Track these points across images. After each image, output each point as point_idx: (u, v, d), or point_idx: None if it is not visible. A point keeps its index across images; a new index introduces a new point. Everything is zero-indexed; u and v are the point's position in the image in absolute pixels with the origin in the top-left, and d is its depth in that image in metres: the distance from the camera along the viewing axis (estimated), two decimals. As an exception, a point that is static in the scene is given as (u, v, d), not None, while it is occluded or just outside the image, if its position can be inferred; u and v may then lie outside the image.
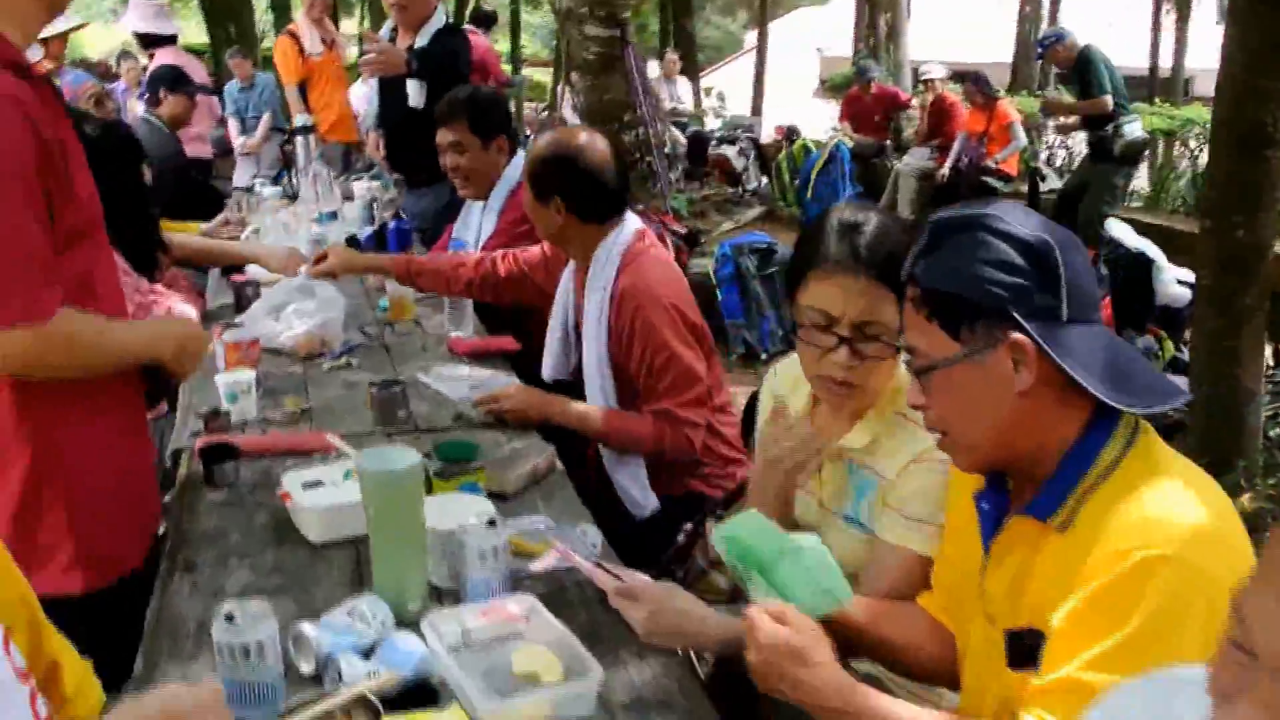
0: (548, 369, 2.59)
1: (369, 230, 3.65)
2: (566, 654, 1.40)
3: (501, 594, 1.54)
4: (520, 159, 2.97)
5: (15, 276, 1.45)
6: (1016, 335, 1.14)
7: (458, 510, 1.64)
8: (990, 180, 8.08)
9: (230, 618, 1.33)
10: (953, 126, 8.56)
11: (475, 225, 3.21)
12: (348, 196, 4.32)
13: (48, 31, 5.66)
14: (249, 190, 4.94)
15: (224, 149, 7.66)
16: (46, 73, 1.55)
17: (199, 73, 6.12)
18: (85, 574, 1.61)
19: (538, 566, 1.62)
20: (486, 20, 10.15)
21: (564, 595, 1.60)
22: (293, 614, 1.50)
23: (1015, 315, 1.14)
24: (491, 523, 1.56)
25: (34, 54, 5.53)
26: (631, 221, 2.39)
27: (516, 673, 1.39)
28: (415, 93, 3.80)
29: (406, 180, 4.26)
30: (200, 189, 5.07)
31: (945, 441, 1.27)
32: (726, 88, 14.59)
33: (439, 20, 4.04)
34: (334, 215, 4.06)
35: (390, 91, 4.04)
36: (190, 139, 5.70)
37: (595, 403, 2.35)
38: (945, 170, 8.26)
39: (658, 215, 3.81)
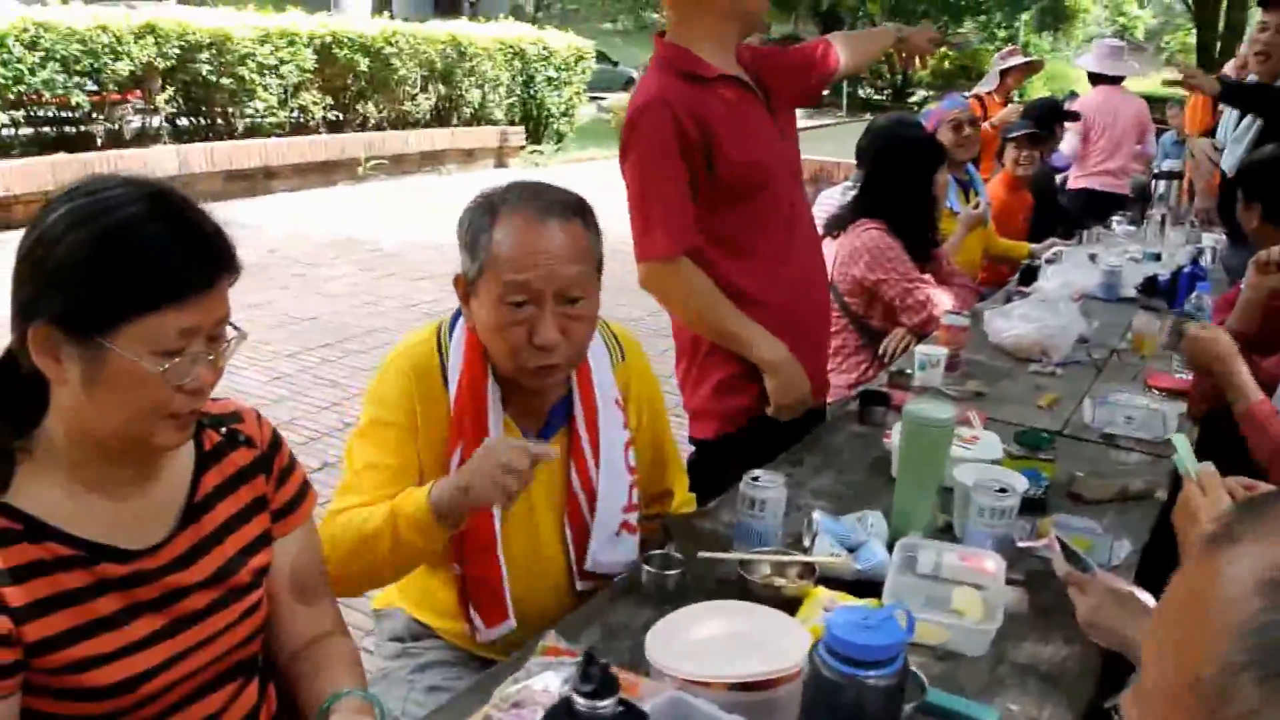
0: None
1: (1165, 275, 3.72)
2: (992, 604, 1.60)
3: (991, 549, 1.76)
4: None
5: (650, 218, 2.27)
6: None
7: (988, 474, 1.89)
8: None
9: (755, 478, 1.82)
10: None
11: None
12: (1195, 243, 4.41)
13: (1006, 64, 6.61)
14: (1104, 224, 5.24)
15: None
16: (719, 73, 2.36)
17: (1126, 112, 6.52)
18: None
19: (1026, 543, 1.79)
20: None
21: (1041, 572, 1.75)
22: (840, 508, 1.94)
23: None
24: (1002, 490, 1.79)
25: (988, 83, 6.48)
26: None
27: (953, 608, 1.64)
28: None
29: (1230, 234, 4.18)
30: (1063, 213, 5.53)
31: None
32: None
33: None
34: (1157, 256, 4.17)
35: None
36: (1091, 171, 6.23)
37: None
38: None
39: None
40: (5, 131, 9.01)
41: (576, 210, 1.67)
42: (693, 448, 2.59)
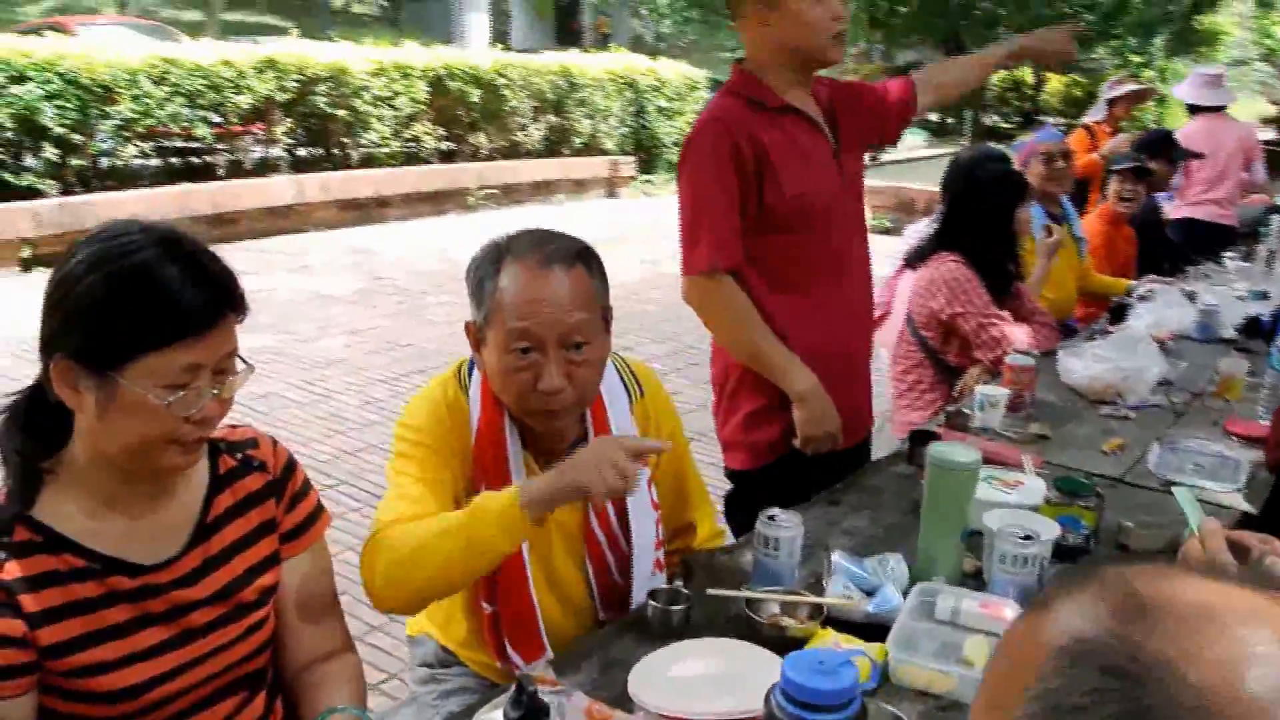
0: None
1: (1268, 315, 3.57)
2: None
3: (1013, 597, 1.73)
4: None
5: (698, 231, 2.34)
6: None
7: (1020, 520, 1.85)
8: None
9: (771, 516, 1.82)
10: None
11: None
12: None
13: (1113, 92, 6.45)
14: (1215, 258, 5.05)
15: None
16: (784, 103, 2.40)
17: (1227, 139, 6.29)
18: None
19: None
20: None
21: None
22: (865, 551, 1.93)
23: None
24: (1027, 538, 1.75)
25: (1097, 113, 6.33)
26: None
27: (963, 657, 1.62)
28: None
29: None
30: (1170, 248, 5.35)
31: None
32: None
33: None
34: (1264, 295, 4.01)
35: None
36: (1194, 201, 6.02)
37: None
38: None
39: None
40: (135, 162, 9.54)
41: (580, 257, 1.71)
42: (729, 480, 2.61)
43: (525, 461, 1.78)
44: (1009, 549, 1.75)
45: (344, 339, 6.94)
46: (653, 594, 1.72)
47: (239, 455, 1.53)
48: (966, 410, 2.69)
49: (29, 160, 8.57)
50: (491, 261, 1.70)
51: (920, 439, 2.46)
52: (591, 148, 14.46)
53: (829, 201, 2.45)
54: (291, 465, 1.58)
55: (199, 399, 1.33)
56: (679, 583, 1.77)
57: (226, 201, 9.71)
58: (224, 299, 1.34)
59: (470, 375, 1.81)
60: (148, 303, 1.28)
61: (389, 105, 11.38)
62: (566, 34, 30.86)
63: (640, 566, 1.82)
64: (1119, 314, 3.74)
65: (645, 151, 15.43)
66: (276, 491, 1.55)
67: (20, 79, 8.22)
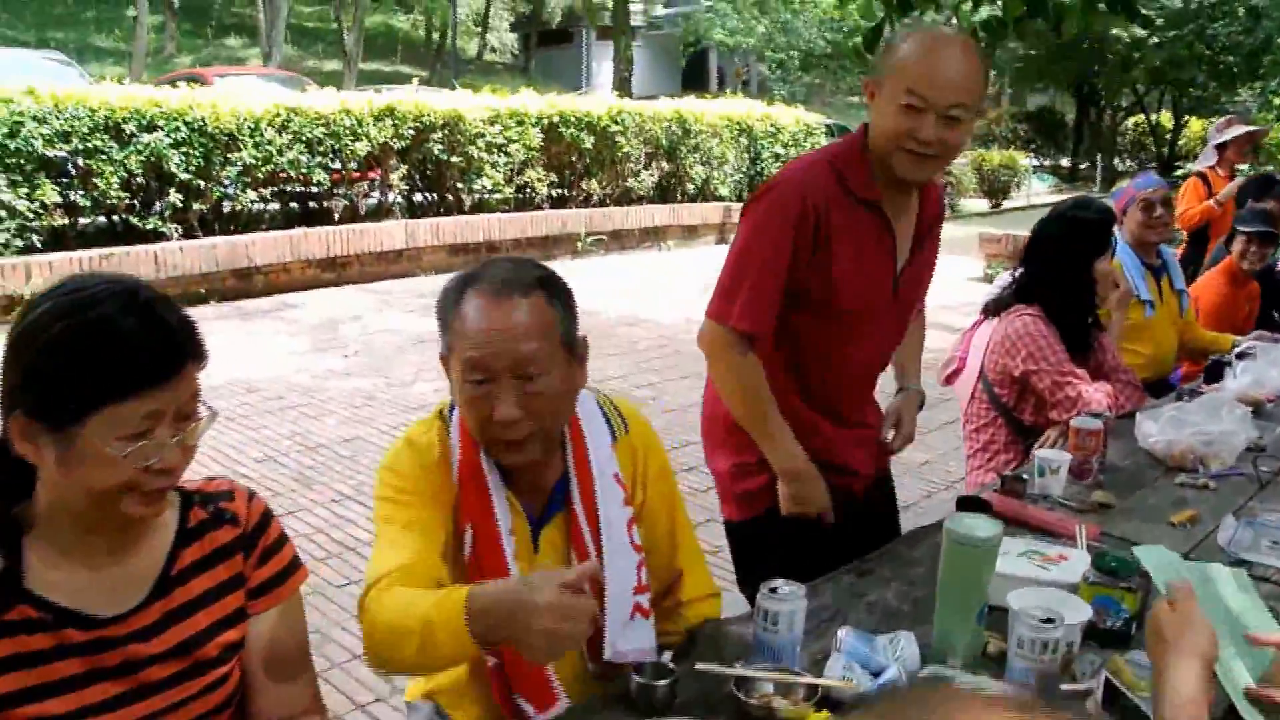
0: None
1: None
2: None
3: (1034, 686, 1.60)
4: None
5: (739, 285, 2.21)
6: None
7: (1049, 600, 1.72)
8: None
9: (774, 589, 1.73)
10: None
11: None
12: None
13: (1221, 137, 6.17)
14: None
15: None
16: (875, 199, 2.26)
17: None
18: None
19: (1071, 686, 1.61)
20: None
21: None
22: (886, 627, 1.82)
23: None
24: (1049, 621, 1.63)
25: (1208, 158, 6.06)
26: None
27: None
28: None
29: None
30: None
31: None
32: None
33: None
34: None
35: None
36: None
37: None
38: None
39: None
40: (255, 207, 9.93)
41: (542, 284, 1.67)
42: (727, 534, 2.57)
43: (509, 499, 1.74)
44: (1026, 633, 1.62)
45: (437, 384, 7.03)
46: (638, 668, 1.64)
47: (211, 508, 1.52)
48: (1025, 476, 2.54)
49: (155, 205, 8.99)
50: (456, 291, 1.68)
51: (968, 505, 2.33)
52: (705, 194, 14.50)
53: (869, 311, 2.34)
54: (266, 520, 1.56)
55: (159, 448, 1.33)
56: (667, 655, 1.69)
57: (339, 245, 10.02)
58: (183, 348, 1.34)
59: (451, 414, 1.78)
60: (106, 355, 1.28)
61: (503, 151, 11.61)
62: (695, 81, 31.17)
63: (616, 611, 1.74)
64: (1215, 372, 3.51)
65: (759, 197, 15.38)
66: (246, 546, 1.53)
67: (150, 127, 8.65)
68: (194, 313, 1.42)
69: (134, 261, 8.32)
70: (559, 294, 1.70)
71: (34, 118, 8.01)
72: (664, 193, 14.08)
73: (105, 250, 8.32)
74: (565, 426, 1.77)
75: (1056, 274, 3.15)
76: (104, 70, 20.38)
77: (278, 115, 9.58)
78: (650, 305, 9.68)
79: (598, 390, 1.89)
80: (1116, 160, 26.88)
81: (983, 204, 20.12)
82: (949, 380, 3.44)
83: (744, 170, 14.98)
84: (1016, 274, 3.35)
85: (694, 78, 33.38)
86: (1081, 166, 26.08)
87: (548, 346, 1.64)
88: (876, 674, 1.66)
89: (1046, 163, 26.92)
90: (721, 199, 14.65)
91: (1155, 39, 21.56)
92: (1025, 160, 22.28)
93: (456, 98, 11.63)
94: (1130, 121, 29.35)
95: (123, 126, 8.52)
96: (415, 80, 13.04)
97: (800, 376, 2.36)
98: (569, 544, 1.77)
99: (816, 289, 2.25)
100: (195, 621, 1.47)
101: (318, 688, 1.64)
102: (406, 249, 10.65)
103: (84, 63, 19.92)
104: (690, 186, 14.30)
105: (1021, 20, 4.27)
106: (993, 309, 3.30)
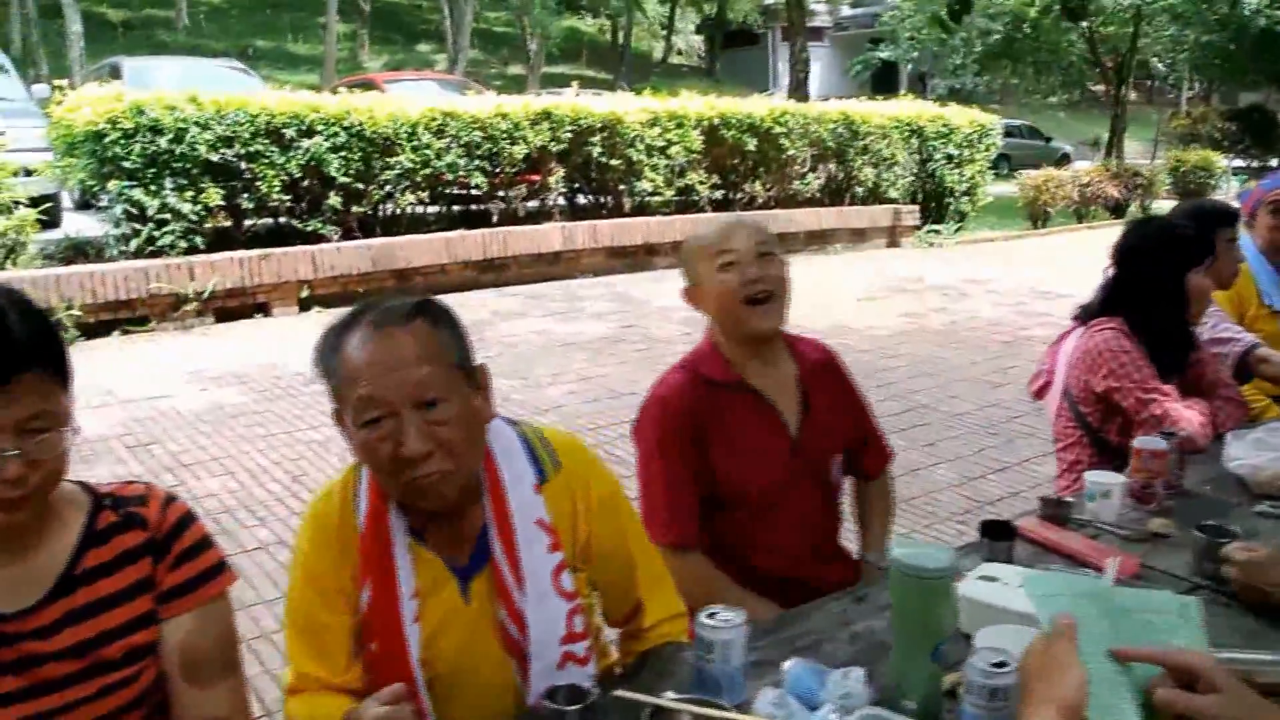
0: None
1: None
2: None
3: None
4: None
5: (655, 506, 2.29)
6: None
7: (1014, 639, 1.57)
8: None
9: (712, 615, 1.64)
10: None
11: None
12: None
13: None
14: None
15: None
16: (737, 380, 2.33)
17: None
18: None
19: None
20: None
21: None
22: (867, 659, 1.70)
23: None
24: (1000, 665, 1.48)
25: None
26: None
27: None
28: None
29: None
30: None
31: None
32: None
33: None
34: None
35: None
36: None
37: None
38: None
39: None
40: (414, 209, 10.26)
41: (420, 311, 1.59)
42: None
43: (413, 550, 1.66)
44: (976, 677, 1.48)
45: (571, 386, 7.09)
46: (551, 692, 1.57)
47: (121, 511, 1.53)
48: (1069, 499, 2.33)
49: (319, 206, 9.42)
50: (333, 337, 1.60)
51: (994, 531, 2.16)
52: (875, 196, 14.15)
53: (772, 486, 2.34)
54: (183, 524, 1.56)
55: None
56: (591, 680, 1.62)
57: (496, 247, 10.24)
58: (25, 357, 1.32)
59: (361, 475, 1.69)
60: None
61: (663, 154, 11.64)
62: (884, 85, 30.51)
63: (540, 661, 1.67)
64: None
65: (933, 201, 14.91)
66: (157, 549, 1.53)
67: (309, 132, 9.07)
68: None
69: (291, 261, 8.74)
70: (442, 318, 1.61)
71: (197, 124, 8.50)
72: (831, 195, 13.81)
73: (263, 250, 8.76)
74: (481, 471, 1.67)
75: (1144, 286, 2.90)
76: (299, 77, 21.52)
77: (434, 119, 9.88)
78: (804, 313, 9.46)
79: (525, 422, 1.79)
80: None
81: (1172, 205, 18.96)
82: (1039, 394, 3.22)
83: (914, 172, 14.54)
84: (1108, 276, 3.09)
85: (884, 80, 32.64)
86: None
87: (441, 370, 1.55)
88: (815, 708, 1.55)
89: (1254, 164, 25.09)
90: (892, 201, 14.26)
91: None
92: (1223, 161, 21.12)
93: (615, 100, 11.74)
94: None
95: (283, 131, 8.96)
96: (575, 84, 13.18)
97: (744, 568, 2.34)
98: (494, 595, 1.68)
99: (714, 484, 2.31)
100: (99, 622, 1.48)
101: (244, 695, 1.63)
102: (564, 251, 10.80)
103: (281, 69, 21.04)
104: (859, 189, 13.98)
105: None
106: (1084, 314, 3.07)
